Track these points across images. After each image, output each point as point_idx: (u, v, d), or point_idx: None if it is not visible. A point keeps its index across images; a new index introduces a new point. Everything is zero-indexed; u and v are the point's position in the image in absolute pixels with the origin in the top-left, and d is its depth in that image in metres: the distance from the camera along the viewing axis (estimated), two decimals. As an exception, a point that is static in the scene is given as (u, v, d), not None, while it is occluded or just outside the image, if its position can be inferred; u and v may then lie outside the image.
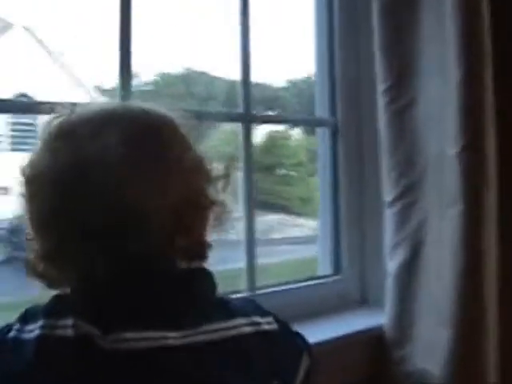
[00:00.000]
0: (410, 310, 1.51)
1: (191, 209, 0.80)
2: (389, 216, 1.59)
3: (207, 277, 0.85)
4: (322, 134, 1.80)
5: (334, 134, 1.78)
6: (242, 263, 1.55)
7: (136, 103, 0.88)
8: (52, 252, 0.77)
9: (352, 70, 1.78)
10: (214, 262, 0.83)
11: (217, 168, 0.88)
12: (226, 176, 0.89)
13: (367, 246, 1.76)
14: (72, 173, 0.75)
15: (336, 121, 1.77)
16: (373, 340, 1.54)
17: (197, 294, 0.81)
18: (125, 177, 0.75)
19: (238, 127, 1.60)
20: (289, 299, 1.60)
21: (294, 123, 2.11)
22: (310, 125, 2.00)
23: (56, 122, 0.81)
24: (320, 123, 1.83)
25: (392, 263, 1.56)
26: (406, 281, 1.53)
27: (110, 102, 0.88)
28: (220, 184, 0.88)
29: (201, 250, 0.84)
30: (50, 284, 0.81)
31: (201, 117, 1.70)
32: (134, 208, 0.75)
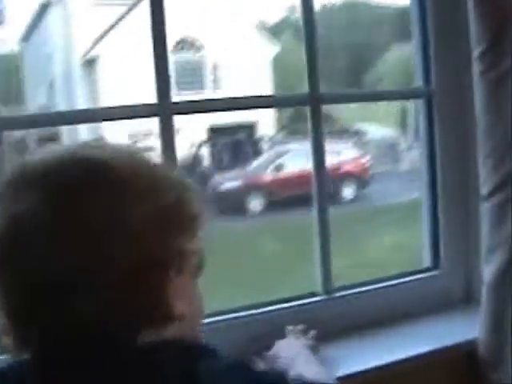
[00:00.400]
0: (506, 324, 1.29)
1: (138, 266, 0.68)
2: (485, 211, 1.34)
3: (173, 350, 0.70)
4: (417, 106, 1.55)
5: (429, 105, 1.52)
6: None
7: (84, 151, 0.74)
8: (5, 324, 0.72)
9: (448, 34, 1.47)
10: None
11: (189, 209, 0.75)
12: (195, 220, 0.76)
13: (469, 235, 1.52)
14: (3, 240, 0.69)
15: (430, 90, 1.50)
16: (465, 357, 1.35)
17: (155, 374, 0.67)
18: (48, 242, 0.67)
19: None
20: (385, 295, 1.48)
21: (374, 99, 1.84)
22: (400, 98, 1.73)
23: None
24: (411, 94, 1.57)
25: (487, 269, 1.33)
26: (502, 292, 1.30)
27: (53, 153, 0.74)
28: (190, 230, 0.75)
29: (158, 315, 0.71)
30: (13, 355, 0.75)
31: (265, 102, 1.59)
32: (62, 273, 0.67)
